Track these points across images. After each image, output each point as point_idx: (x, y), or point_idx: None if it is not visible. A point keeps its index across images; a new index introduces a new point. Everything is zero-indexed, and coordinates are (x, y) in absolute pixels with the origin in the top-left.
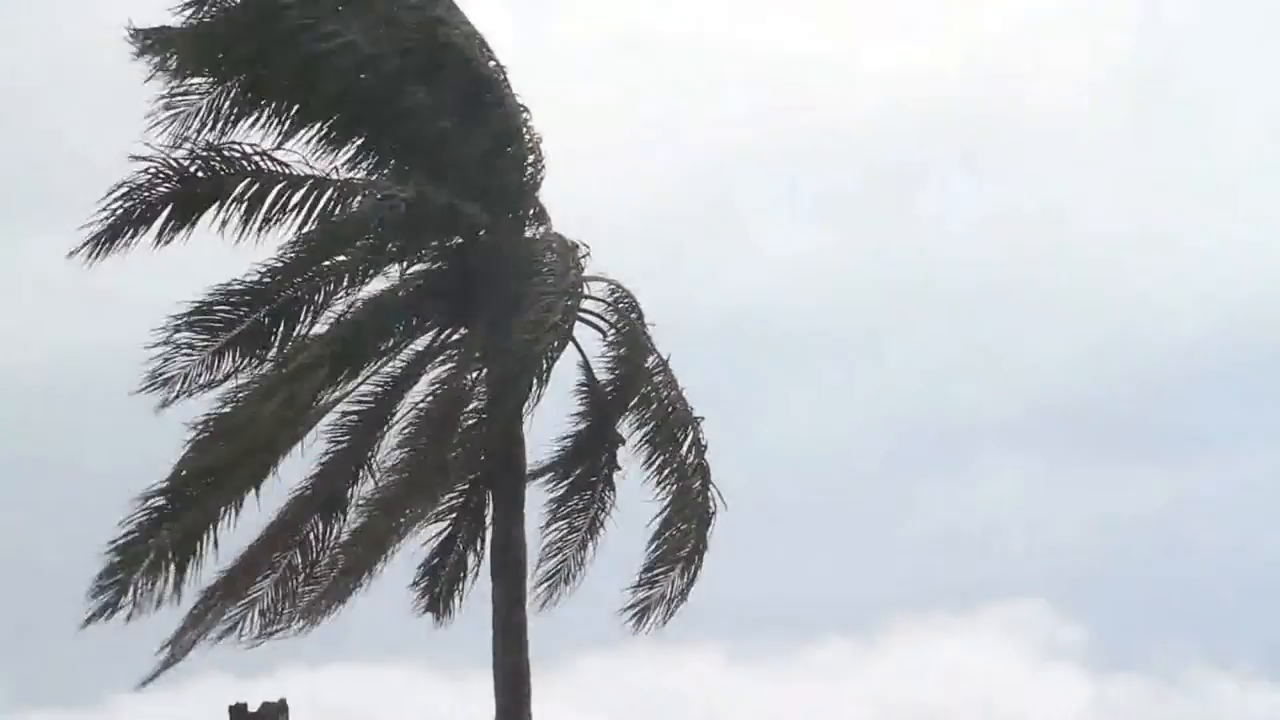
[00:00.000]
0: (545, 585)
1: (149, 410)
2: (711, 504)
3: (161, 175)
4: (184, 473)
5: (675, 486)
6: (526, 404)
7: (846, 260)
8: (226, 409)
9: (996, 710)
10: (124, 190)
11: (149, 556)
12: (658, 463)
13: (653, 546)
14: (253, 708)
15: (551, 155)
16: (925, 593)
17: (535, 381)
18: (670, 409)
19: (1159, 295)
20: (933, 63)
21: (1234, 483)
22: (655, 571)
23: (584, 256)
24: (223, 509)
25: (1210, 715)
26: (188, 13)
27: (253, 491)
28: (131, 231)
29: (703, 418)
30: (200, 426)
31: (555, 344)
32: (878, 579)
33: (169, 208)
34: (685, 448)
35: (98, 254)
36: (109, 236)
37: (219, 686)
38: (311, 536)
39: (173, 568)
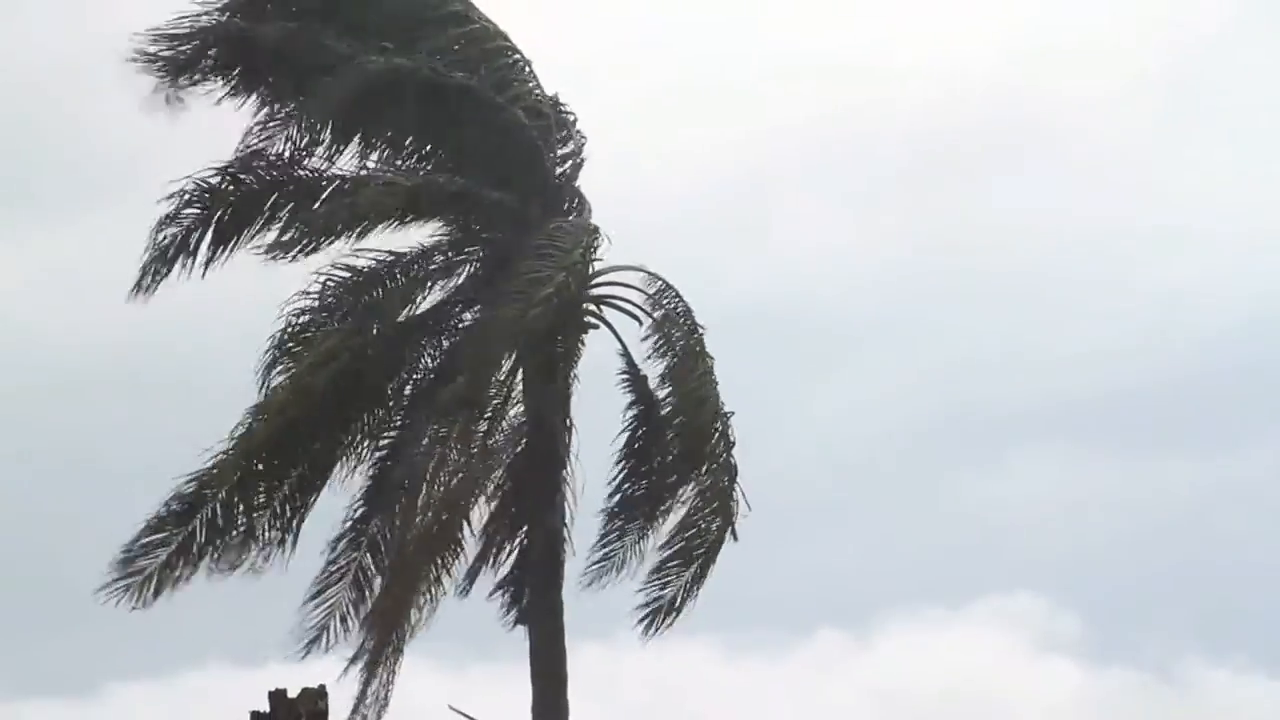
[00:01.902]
0: (597, 565)
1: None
2: (734, 505)
3: (194, 199)
4: (228, 457)
5: (703, 484)
6: (546, 389)
7: (878, 253)
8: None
9: (991, 702)
10: (164, 220)
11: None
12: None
13: (668, 543)
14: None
15: (591, 149)
16: (923, 585)
17: (553, 368)
18: (703, 402)
19: (1189, 289)
20: (966, 57)
21: (1250, 476)
22: (668, 570)
23: (598, 242)
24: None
25: (1205, 707)
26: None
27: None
28: (178, 260)
29: (733, 413)
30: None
31: (545, 318)
32: (882, 571)
33: (210, 232)
34: (714, 442)
35: (151, 286)
36: (158, 267)
37: (214, 676)
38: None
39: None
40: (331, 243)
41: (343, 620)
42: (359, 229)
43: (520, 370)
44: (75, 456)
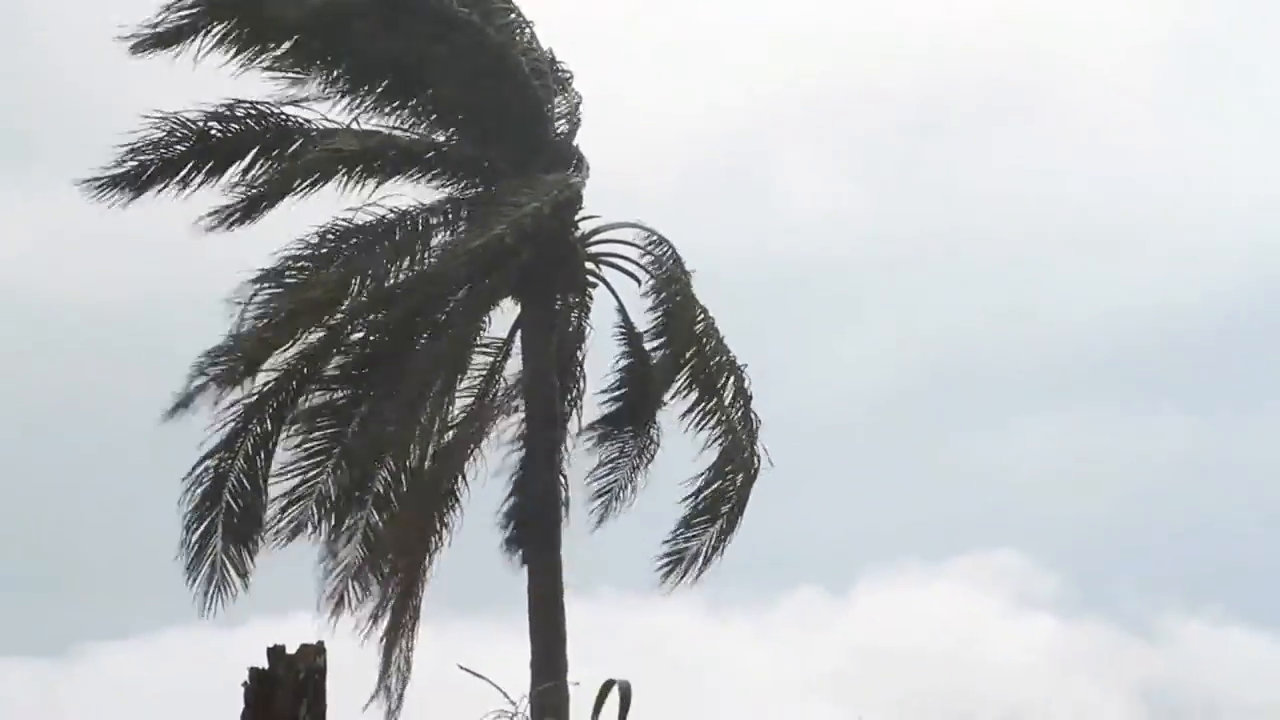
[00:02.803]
0: (598, 503)
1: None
2: (756, 460)
3: (179, 134)
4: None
5: (723, 440)
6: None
7: (877, 213)
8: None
9: (969, 657)
10: (144, 144)
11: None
12: (702, 412)
13: (694, 499)
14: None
15: (591, 109)
16: (905, 543)
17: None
18: (714, 357)
19: (1191, 251)
20: (969, 17)
21: (1235, 436)
22: (694, 526)
23: (583, 182)
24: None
25: (1181, 659)
26: None
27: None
28: (155, 183)
29: (746, 365)
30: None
31: (520, 236)
32: (864, 529)
33: (190, 164)
34: (730, 398)
35: (119, 195)
36: (130, 183)
37: (195, 636)
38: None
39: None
40: (308, 192)
41: (355, 578)
42: (324, 181)
43: (520, 331)
44: (71, 415)
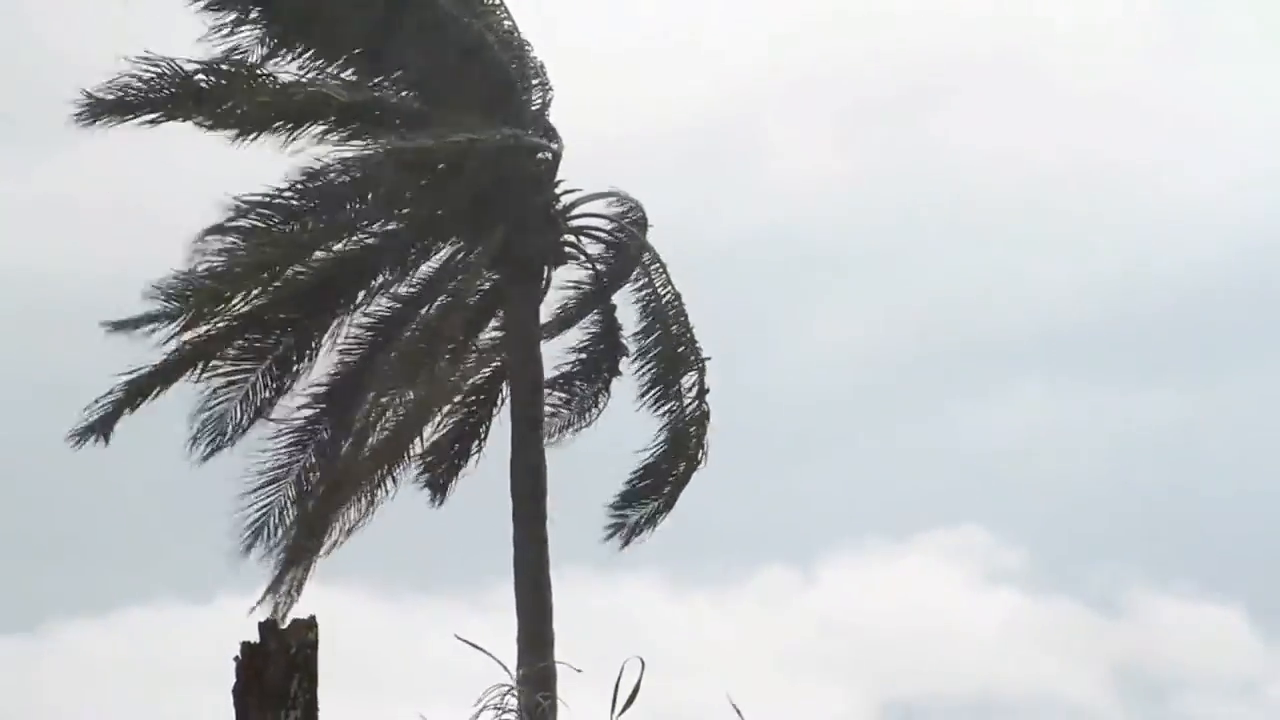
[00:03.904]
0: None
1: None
2: (702, 451)
3: (165, 77)
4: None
5: (672, 429)
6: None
7: (865, 184)
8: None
9: (935, 633)
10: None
11: None
12: (656, 396)
13: (637, 477)
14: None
15: (570, 78)
16: (870, 520)
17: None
18: (679, 347)
19: (1181, 220)
20: None
21: (1211, 408)
22: (634, 500)
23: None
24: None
25: (1148, 634)
26: None
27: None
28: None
29: (709, 358)
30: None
31: (485, 151)
32: (831, 506)
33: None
34: (688, 388)
35: (101, 119)
36: (114, 108)
37: (161, 612)
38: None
39: None
40: (286, 134)
41: (280, 517)
42: (299, 125)
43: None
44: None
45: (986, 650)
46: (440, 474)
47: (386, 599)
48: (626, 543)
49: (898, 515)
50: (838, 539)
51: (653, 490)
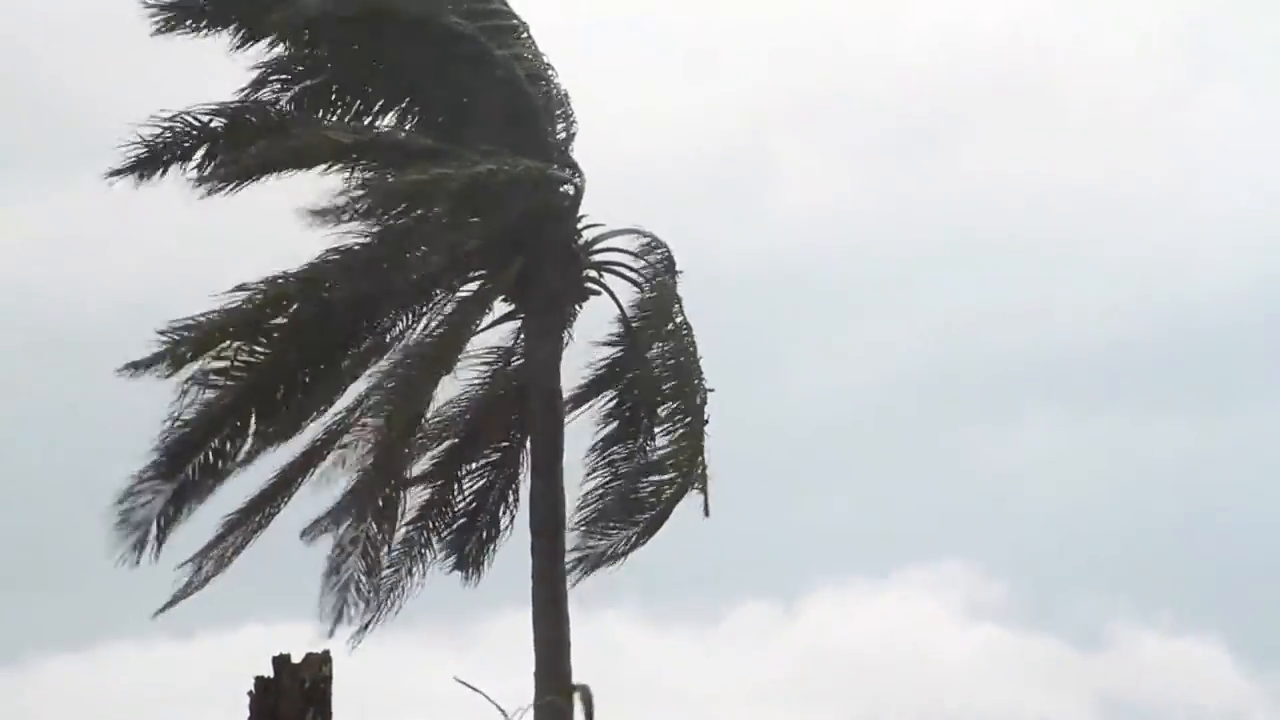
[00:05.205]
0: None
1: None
2: (696, 476)
3: (191, 130)
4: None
5: (671, 451)
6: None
7: (876, 212)
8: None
9: (918, 669)
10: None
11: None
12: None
13: (614, 500)
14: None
15: (587, 105)
16: (852, 555)
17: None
18: (684, 375)
19: (1191, 249)
20: (971, 14)
21: (1196, 441)
22: (613, 528)
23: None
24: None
25: (1132, 668)
26: None
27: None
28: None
29: (712, 389)
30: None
31: (502, 180)
32: (813, 540)
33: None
34: (688, 413)
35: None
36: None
37: (141, 648)
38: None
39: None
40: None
41: (357, 590)
42: (311, 166)
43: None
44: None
45: (969, 683)
46: (470, 549)
47: (403, 628)
48: (594, 571)
49: (881, 549)
50: (821, 573)
51: (629, 517)
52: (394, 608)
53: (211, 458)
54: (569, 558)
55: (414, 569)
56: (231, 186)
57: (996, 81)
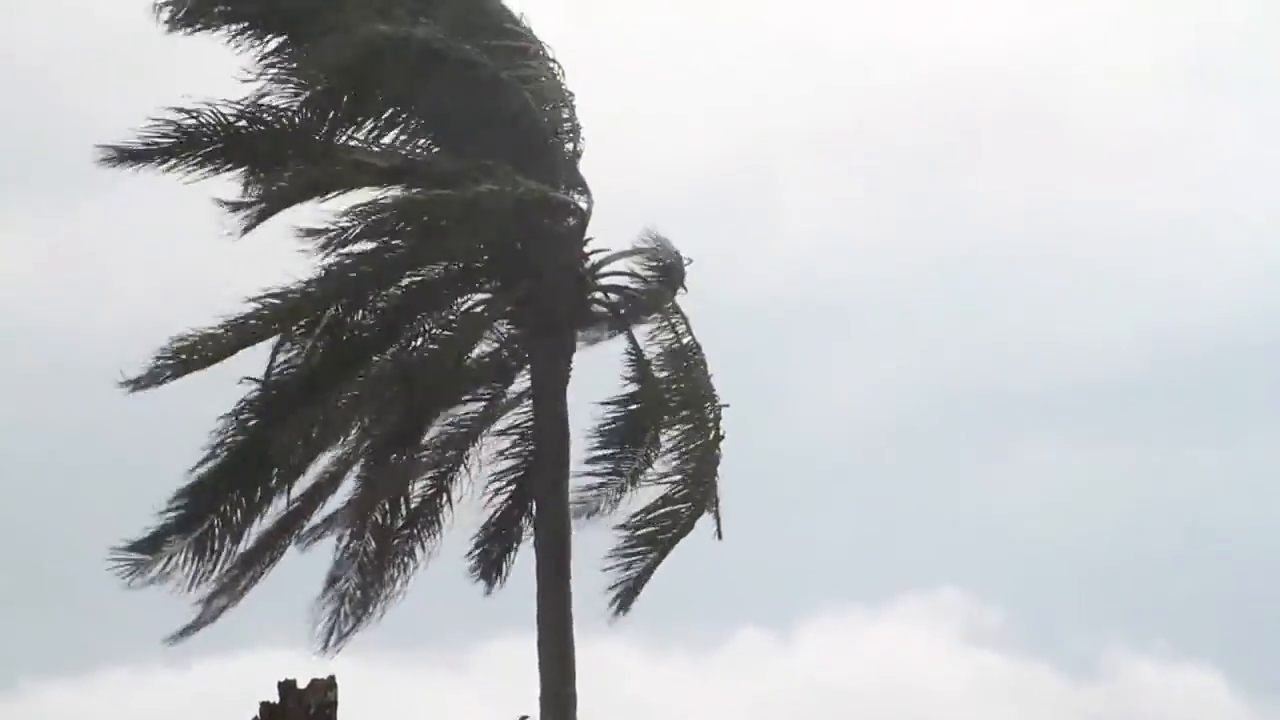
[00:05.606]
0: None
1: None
2: (711, 495)
3: (208, 126)
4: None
5: (685, 469)
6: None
7: (886, 237)
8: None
9: (914, 697)
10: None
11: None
12: (673, 442)
13: (637, 526)
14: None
15: (596, 127)
16: (848, 582)
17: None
18: (694, 395)
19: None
20: (979, 38)
21: (1188, 469)
22: (634, 552)
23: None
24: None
25: (1128, 696)
26: None
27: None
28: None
29: (727, 405)
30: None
31: (502, 201)
32: (809, 568)
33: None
34: (704, 429)
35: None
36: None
37: (137, 675)
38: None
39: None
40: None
41: (352, 607)
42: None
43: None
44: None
45: (965, 711)
46: (494, 557)
47: (398, 649)
48: (630, 598)
49: (878, 576)
50: (818, 600)
51: (647, 543)
52: (380, 616)
53: (229, 510)
54: (581, 580)
55: (408, 584)
56: (260, 219)
57: (1004, 109)
